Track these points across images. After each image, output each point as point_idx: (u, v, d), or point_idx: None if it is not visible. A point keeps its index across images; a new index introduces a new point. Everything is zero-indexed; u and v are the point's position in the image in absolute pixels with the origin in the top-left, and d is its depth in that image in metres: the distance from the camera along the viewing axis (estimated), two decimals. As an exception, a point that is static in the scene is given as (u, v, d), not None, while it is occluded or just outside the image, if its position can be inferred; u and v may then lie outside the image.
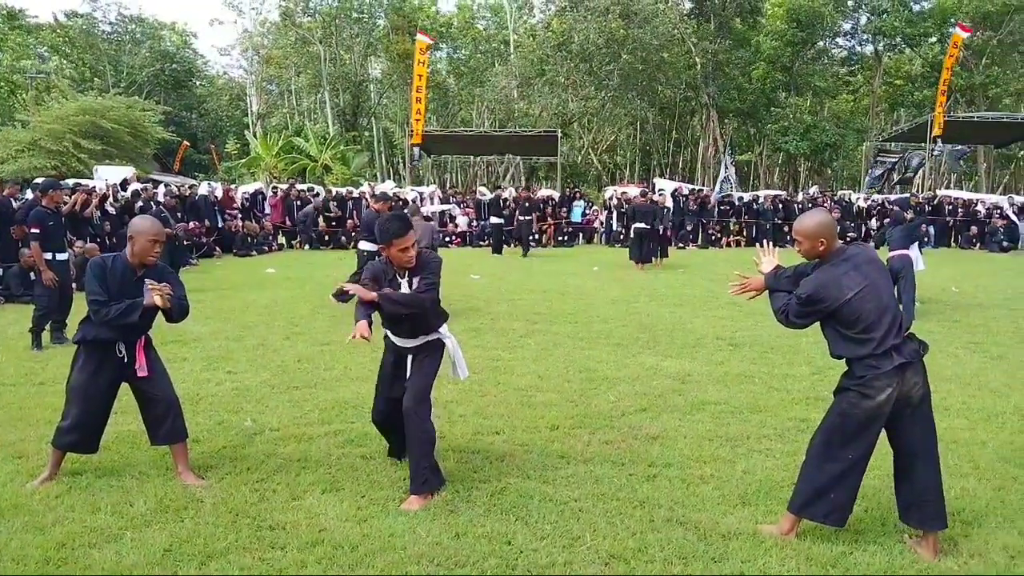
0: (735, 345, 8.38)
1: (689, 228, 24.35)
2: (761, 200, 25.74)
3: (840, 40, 42.64)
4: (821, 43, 40.42)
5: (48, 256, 8.04)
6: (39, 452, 4.84)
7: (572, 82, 36.57)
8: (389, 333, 4.43)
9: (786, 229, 25.16)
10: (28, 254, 10.18)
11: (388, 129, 45.52)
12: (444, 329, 4.42)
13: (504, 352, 7.87)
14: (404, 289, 4.23)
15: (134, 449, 4.87)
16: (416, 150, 30.06)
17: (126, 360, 4.31)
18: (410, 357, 4.37)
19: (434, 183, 34.75)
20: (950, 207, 25.91)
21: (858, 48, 43.19)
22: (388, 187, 24.85)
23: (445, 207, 25.20)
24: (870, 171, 34.25)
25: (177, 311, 4.30)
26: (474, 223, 24.82)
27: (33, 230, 8.02)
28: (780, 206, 25.31)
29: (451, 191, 30.67)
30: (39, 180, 9.60)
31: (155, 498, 4.11)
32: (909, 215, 11.02)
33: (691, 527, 3.87)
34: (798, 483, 3.76)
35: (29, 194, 12.51)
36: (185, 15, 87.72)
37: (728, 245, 24.43)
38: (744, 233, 25.19)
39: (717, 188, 28.00)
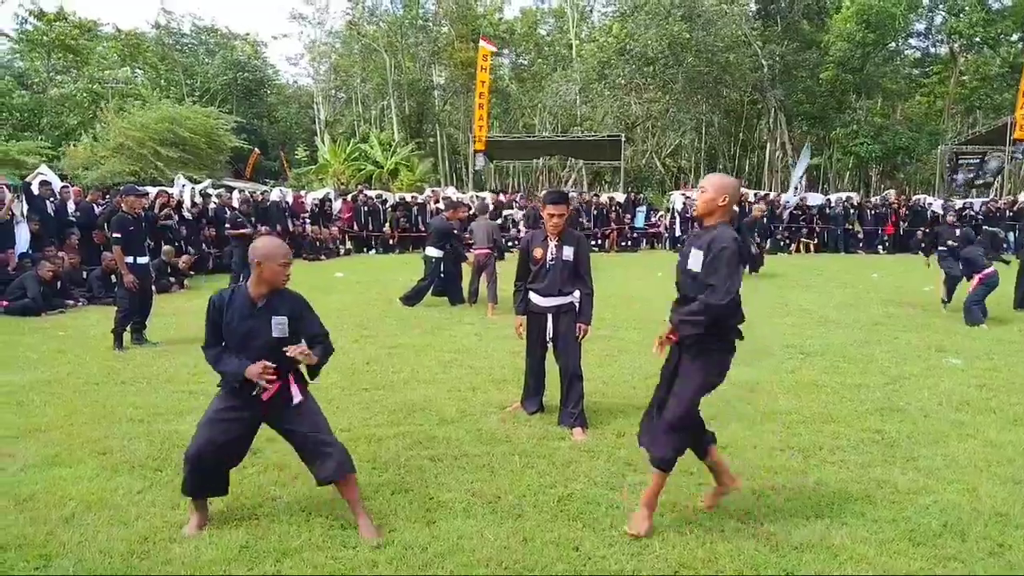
0: (805, 353, 8.20)
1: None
2: (833, 204, 25.13)
3: (913, 41, 41.33)
4: (893, 44, 39.19)
5: (129, 260, 8.37)
6: (122, 448, 5.04)
7: (635, 86, 36.26)
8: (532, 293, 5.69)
9: (859, 236, 24.58)
10: (110, 257, 10.63)
11: (451, 135, 45.94)
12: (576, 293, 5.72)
13: (569, 357, 7.82)
14: (551, 251, 5.55)
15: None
16: (481, 157, 30.19)
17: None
18: (550, 316, 5.71)
19: (496, 188, 34.91)
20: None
21: (932, 49, 41.81)
22: (450, 193, 25.07)
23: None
24: (951, 176, 32.93)
25: (322, 358, 3.80)
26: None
27: (115, 235, 8.37)
28: (853, 211, 24.68)
29: (511, 196, 30.73)
30: (124, 187, 10.03)
31: (231, 495, 4.22)
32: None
33: (762, 538, 3.81)
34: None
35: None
36: (251, 27, 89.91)
37: (797, 250, 23.87)
38: (816, 238, 24.58)
39: (791, 192, 27.34)
